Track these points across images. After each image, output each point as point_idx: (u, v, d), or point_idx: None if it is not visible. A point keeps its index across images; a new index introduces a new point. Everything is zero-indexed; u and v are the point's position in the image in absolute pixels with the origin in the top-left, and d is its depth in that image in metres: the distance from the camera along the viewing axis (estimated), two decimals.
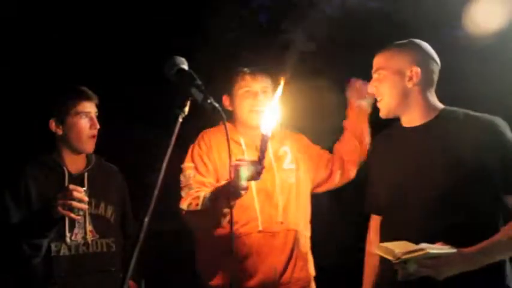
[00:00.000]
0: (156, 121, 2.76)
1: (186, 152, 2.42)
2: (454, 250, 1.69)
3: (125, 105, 3.68)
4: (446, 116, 1.89)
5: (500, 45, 3.12)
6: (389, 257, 1.67)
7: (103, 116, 2.41)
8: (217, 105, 1.44)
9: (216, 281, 2.26)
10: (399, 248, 1.67)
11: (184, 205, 2.24)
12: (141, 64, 3.66)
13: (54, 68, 3.75)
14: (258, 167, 1.92)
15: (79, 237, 2.23)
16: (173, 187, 2.51)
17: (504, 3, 2.98)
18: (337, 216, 3.70)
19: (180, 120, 1.43)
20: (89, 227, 2.24)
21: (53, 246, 2.18)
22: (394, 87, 1.90)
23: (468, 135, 1.79)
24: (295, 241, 2.32)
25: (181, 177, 2.34)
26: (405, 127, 1.96)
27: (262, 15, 4.16)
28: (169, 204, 2.57)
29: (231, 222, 1.80)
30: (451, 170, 1.77)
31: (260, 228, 2.22)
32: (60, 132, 2.29)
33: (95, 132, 2.30)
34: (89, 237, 2.24)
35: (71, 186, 2.03)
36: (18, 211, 2.15)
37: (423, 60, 1.92)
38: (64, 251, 2.20)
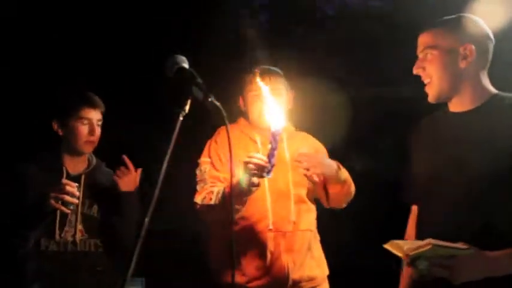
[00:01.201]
0: (157, 121, 2.78)
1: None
2: (470, 249, 1.51)
3: (125, 105, 3.68)
4: (498, 102, 1.69)
5: (501, 45, 3.12)
6: (400, 254, 1.57)
7: (103, 116, 2.41)
8: (218, 103, 1.44)
9: (229, 277, 2.27)
10: (410, 245, 1.55)
11: (198, 199, 2.26)
12: (141, 64, 3.66)
13: (54, 68, 3.76)
14: (268, 165, 1.92)
15: (68, 236, 2.27)
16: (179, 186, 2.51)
17: (504, 3, 2.98)
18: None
19: (181, 119, 1.43)
20: (79, 226, 2.28)
21: (42, 241, 2.23)
22: (446, 68, 1.70)
23: None
24: (308, 241, 2.31)
25: (197, 172, 2.36)
26: (453, 112, 1.77)
27: (263, 14, 4.17)
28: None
29: (230, 221, 1.79)
30: (488, 166, 1.58)
31: (271, 227, 2.22)
32: (61, 133, 2.34)
33: (94, 138, 2.33)
34: (78, 236, 2.29)
35: (64, 181, 2.09)
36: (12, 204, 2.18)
37: (478, 37, 1.72)
38: (52, 247, 2.25)
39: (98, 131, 2.34)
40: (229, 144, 1.56)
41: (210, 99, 1.44)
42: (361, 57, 3.51)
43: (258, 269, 2.22)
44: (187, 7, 3.95)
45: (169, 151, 1.41)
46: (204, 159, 2.35)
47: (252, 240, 2.23)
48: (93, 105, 2.34)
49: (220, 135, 2.38)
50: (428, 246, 1.49)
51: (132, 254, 1.31)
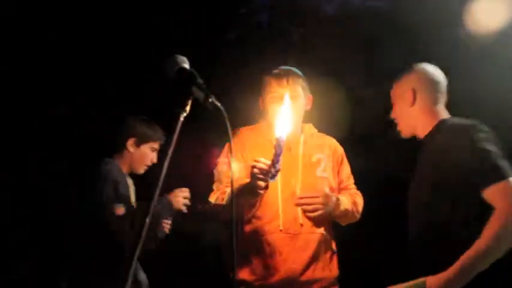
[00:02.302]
0: (158, 121, 2.78)
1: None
2: (424, 281, 1.72)
3: (125, 105, 3.68)
4: (441, 125, 2.02)
5: (501, 45, 3.13)
6: None
7: (104, 115, 2.42)
8: (219, 104, 1.44)
9: (243, 275, 2.31)
10: None
11: (212, 199, 2.33)
12: (141, 64, 3.66)
13: (54, 68, 3.76)
14: (272, 170, 1.95)
15: None
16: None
17: (504, 3, 2.98)
18: None
19: (182, 119, 1.43)
20: None
21: None
22: (401, 111, 2.11)
23: (444, 145, 1.90)
24: (317, 243, 2.33)
25: (215, 172, 2.40)
26: (419, 140, 2.12)
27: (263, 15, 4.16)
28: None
29: (232, 222, 1.79)
30: (435, 187, 1.88)
31: (281, 227, 2.25)
32: (131, 150, 2.68)
33: (150, 165, 2.74)
34: None
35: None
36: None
37: (421, 82, 2.08)
38: None
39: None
40: (230, 145, 1.56)
41: (210, 100, 1.44)
42: (361, 57, 3.51)
43: (267, 269, 2.26)
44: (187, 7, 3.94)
45: (170, 151, 1.41)
46: (221, 160, 2.39)
47: (263, 240, 2.27)
48: (162, 140, 2.72)
49: (239, 137, 2.40)
50: None
51: (133, 254, 1.32)
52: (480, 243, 1.66)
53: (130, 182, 2.75)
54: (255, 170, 2.02)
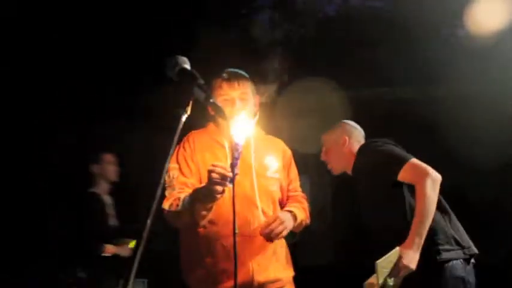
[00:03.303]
0: (158, 121, 2.78)
1: None
2: (396, 248, 2.18)
3: (125, 105, 3.68)
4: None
5: (501, 44, 3.13)
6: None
7: (103, 116, 2.42)
8: (219, 104, 1.44)
9: (198, 280, 2.30)
10: (375, 279, 2.16)
11: (166, 205, 2.28)
12: (142, 64, 3.66)
13: (54, 68, 3.76)
14: (230, 175, 1.95)
15: None
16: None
17: (504, 3, 2.98)
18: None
19: (183, 120, 1.42)
20: None
21: None
22: (335, 154, 2.66)
23: (358, 163, 2.54)
24: (273, 245, 2.34)
25: (166, 178, 2.36)
26: None
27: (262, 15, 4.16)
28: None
29: (234, 226, 1.79)
30: (372, 193, 2.46)
31: (236, 230, 2.24)
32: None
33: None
34: None
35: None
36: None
37: (349, 132, 2.67)
38: None
39: None
40: (231, 146, 1.56)
41: (211, 100, 1.44)
42: (361, 58, 3.52)
43: (224, 272, 2.24)
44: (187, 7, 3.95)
45: (171, 151, 1.41)
46: (172, 165, 2.35)
47: (218, 244, 2.25)
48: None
49: (189, 141, 2.38)
50: (378, 267, 2.12)
51: (135, 254, 1.32)
52: (419, 208, 2.25)
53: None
54: (214, 175, 2.01)
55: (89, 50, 3.82)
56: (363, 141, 2.70)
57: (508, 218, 3.85)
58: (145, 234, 1.32)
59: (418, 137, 2.56)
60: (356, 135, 2.72)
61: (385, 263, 2.17)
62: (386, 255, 2.18)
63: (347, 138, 2.67)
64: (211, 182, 2.00)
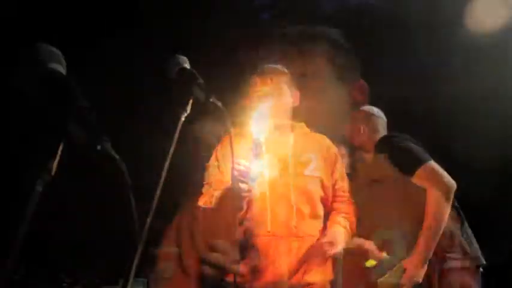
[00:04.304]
0: (159, 121, 2.78)
1: None
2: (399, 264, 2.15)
3: (125, 106, 3.68)
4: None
5: (500, 44, 3.12)
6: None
7: (104, 115, 2.42)
8: (219, 103, 1.44)
9: (230, 277, 2.29)
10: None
11: (201, 202, 2.28)
12: (142, 64, 3.66)
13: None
14: (251, 172, 1.93)
15: None
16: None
17: (504, 3, 2.98)
18: None
19: (183, 119, 1.42)
20: None
21: None
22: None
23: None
24: (307, 247, 2.29)
25: (205, 174, 2.37)
26: None
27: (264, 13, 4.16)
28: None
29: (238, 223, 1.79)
30: None
31: (269, 229, 2.21)
32: None
33: None
34: None
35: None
36: None
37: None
38: None
39: None
40: (231, 145, 1.56)
41: (211, 99, 1.44)
42: (361, 58, 3.52)
43: (254, 271, 2.22)
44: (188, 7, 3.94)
45: (171, 151, 1.41)
46: (211, 163, 2.37)
47: (250, 242, 2.23)
48: None
49: (227, 139, 2.38)
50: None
51: (134, 254, 1.32)
52: (429, 219, 2.10)
53: None
54: (235, 173, 2.00)
55: (89, 50, 3.82)
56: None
57: (508, 218, 3.85)
58: (144, 233, 1.32)
59: (417, 137, 2.54)
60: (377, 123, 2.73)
61: (386, 283, 2.12)
62: (389, 273, 2.12)
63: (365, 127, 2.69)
64: (233, 180, 1.99)
